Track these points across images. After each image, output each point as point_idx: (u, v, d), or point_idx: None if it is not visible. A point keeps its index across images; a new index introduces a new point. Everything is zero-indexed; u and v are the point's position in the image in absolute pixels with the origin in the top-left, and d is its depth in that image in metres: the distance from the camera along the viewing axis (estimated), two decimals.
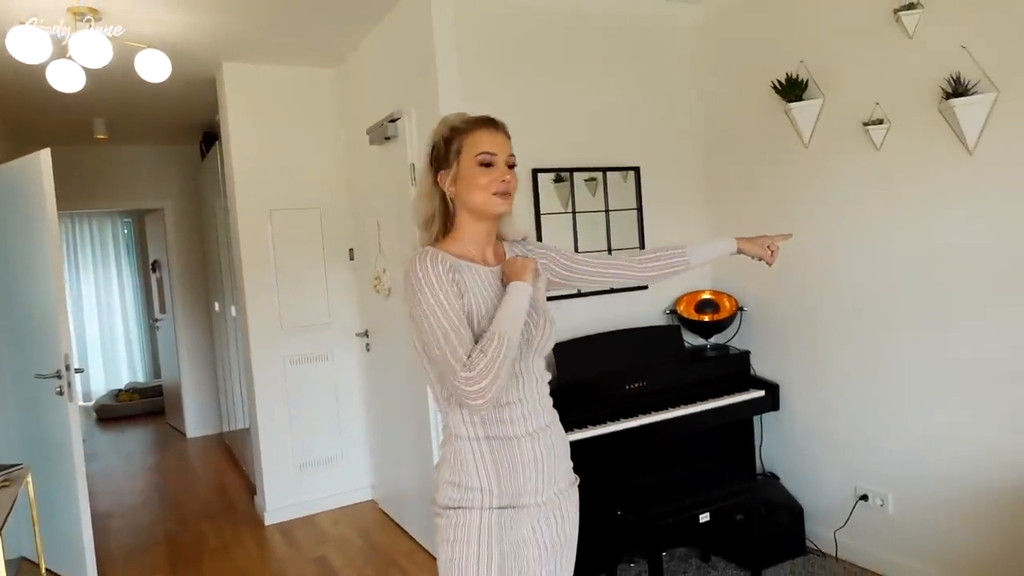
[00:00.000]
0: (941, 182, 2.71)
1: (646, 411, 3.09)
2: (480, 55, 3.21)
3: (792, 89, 3.15)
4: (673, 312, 3.65)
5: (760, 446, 3.56)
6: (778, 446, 3.50)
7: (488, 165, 1.55)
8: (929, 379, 2.81)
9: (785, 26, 3.26)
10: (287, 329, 4.32)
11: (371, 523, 4.19)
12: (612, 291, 3.53)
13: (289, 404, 4.32)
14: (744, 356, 3.52)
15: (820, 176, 3.18)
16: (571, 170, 3.45)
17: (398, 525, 4.08)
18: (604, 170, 3.54)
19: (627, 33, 3.58)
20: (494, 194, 1.55)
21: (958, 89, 2.56)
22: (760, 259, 1.89)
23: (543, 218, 3.37)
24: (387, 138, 3.55)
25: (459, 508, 1.51)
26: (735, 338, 3.64)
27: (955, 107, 2.56)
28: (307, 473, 4.39)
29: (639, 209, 3.64)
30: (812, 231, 3.21)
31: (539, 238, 3.36)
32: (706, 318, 3.57)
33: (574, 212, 3.47)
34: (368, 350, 4.34)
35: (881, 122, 2.87)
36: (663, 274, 1.84)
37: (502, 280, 1.56)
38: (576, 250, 3.46)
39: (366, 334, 4.34)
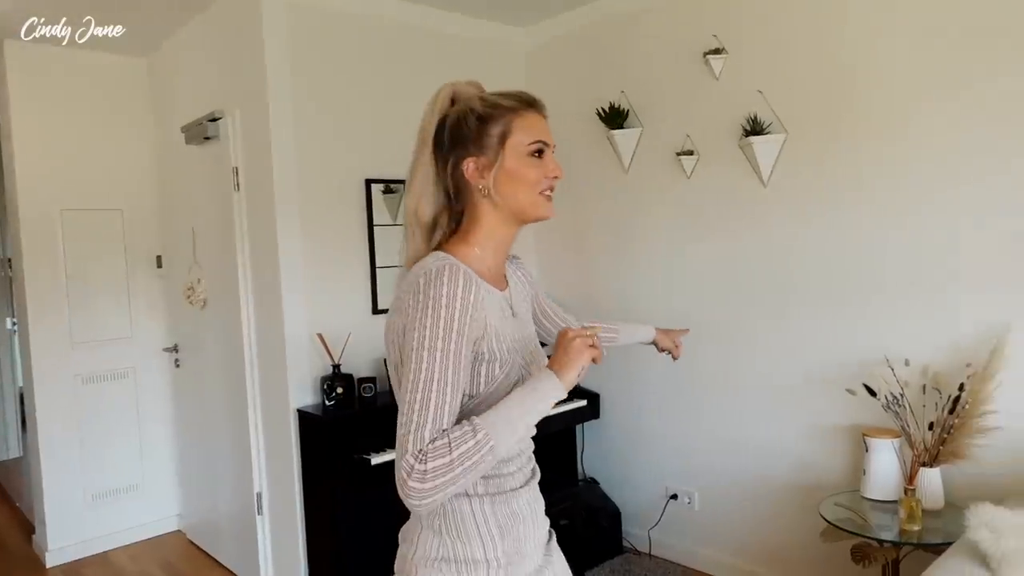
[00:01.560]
0: (741, 209, 3.03)
1: None
2: (312, 59, 3.10)
3: (614, 117, 3.37)
4: None
5: (582, 453, 3.74)
6: (598, 452, 3.70)
7: (540, 154, 1.23)
8: (730, 388, 3.11)
9: (609, 59, 3.49)
10: (79, 343, 3.84)
11: (178, 556, 3.83)
12: None
13: (80, 427, 3.84)
14: None
15: (638, 199, 3.42)
16: (402, 182, 3.41)
17: (210, 556, 3.76)
18: None
19: (462, 52, 3.64)
20: (541, 193, 1.24)
21: (755, 128, 2.88)
22: (667, 352, 1.95)
23: (376, 229, 3.30)
24: (207, 138, 3.30)
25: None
26: None
27: (752, 144, 2.88)
28: (101, 504, 3.92)
29: None
30: (631, 249, 3.45)
31: (372, 251, 3.29)
32: None
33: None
34: (177, 366, 3.99)
35: (691, 153, 3.15)
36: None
37: (550, 358, 1.17)
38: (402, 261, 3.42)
39: (175, 349, 3.98)
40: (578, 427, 3.70)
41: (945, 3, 2.40)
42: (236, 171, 3.14)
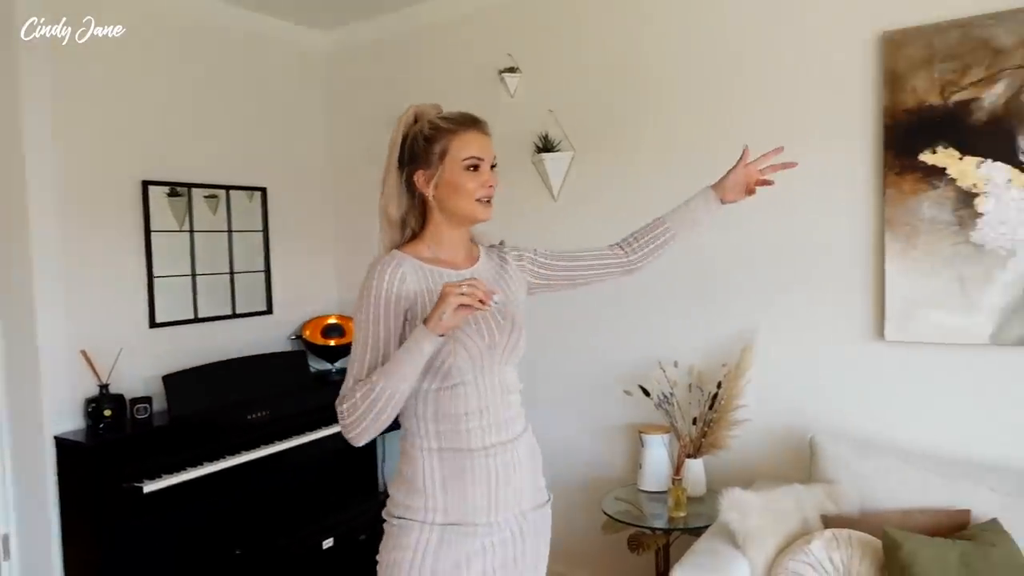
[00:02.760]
0: (534, 222, 3.17)
1: (270, 441, 2.97)
2: (80, 51, 2.79)
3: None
4: (299, 337, 3.59)
5: (383, 464, 3.69)
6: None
7: (476, 169, 1.45)
8: (534, 390, 3.22)
9: (410, 69, 3.50)
10: None
11: None
12: (234, 316, 3.34)
13: None
14: None
15: None
16: (189, 185, 3.19)
17: None
18: (228, 188, 3.35)
19: (250, 50, 3.47)
20: (478, 200, 1.46)
21: (546, 145, 3.04)
22: (757, 188, 1.67)
23: (153, 236, 3.03)
24: None
25: (402, 519, 1.43)
26: None
27: (544, 160, 3.03)
28: None
29: (265, 231, 3.52)
30: None
31: (150, 258, 3.02)
32: (332, 343, 3.59)
33: (192, 231, 3.20)
34: None
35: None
36: (654, 253, 1.69)
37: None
38: (194, 271, 3.20)
39: None
40: (378, 437, 3.65)
41: (710, 35, 2.69)
42: None
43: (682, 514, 2.47)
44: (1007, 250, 2.20)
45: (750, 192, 1.68)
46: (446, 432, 1.43)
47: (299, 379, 3.34)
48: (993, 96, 2.20)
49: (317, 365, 3.64)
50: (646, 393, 2.71)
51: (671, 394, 2.68)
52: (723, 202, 1.68)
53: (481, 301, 1.28)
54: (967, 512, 2.00)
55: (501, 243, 1.66)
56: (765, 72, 2.58)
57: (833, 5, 2.44)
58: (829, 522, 2.07)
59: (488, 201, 1.47)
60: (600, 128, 2.96)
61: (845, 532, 1.95)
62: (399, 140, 1.49)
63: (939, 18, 2.26)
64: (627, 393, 2.78)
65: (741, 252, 2.65)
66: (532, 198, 3.15)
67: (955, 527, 1.97)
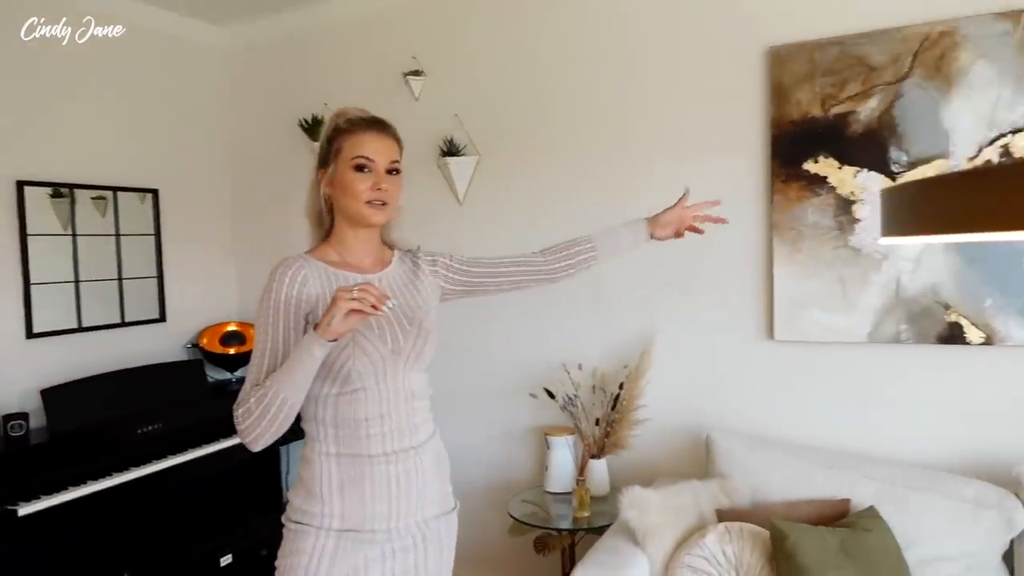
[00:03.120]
0: (440, 226, 3.15)
1: (163, 455, 2.82)
2: None
3: (317, 128, 3.31)
4: (195, 346, 3.44)
5: (286, 476, 3.58)
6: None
7: (362, 169, 1.43)
8: (441, 394, 3.20)
9: (313, 69, 3.42)
10: None
11: None
12: (123, 325, 3.17)
13: None
14: None
15: None
16: (73, 186, 3.00)
17: None
18: (115, 189, 3.17)
19: (142, 44, 3.30)
20: (368, 203, 1.43)
21: (451, 150, 3.03)
22: (685, 233, 1.74)
23: (30, 240, 2.84)
24: None
25: (299, 524, 1.42)
26: None
27: (449, 164, 3.02)
28: None
29: (157, 235, 3.35)
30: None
31: (26, 264, 2.82)
32: (231, 351, 3.45)
33: (75, 234, 3.01)
34: None
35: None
36: (574, 267, 1.71)
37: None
38: (77, 277, 3.01)
39: None
40: (282, 447, 3.54)
41: (608, 44, 2.75)
42: None
43: (586, 514, 2.51)
44: (881, 254, 2.35)
45: (679, 235, 1.74)
46: (345, 437, 1.41)
47: (195, 390, 3.19)
48: (868, 109, 2.35)
49: (216, 375, 3.49)
50: (551, 395, 2.74)
51: (575, 396, 2.73)
52: (652, 236, 1.73)
53: (374, 306, 1.26)
54: (847, 501, 2.13)
55: (416, 248, 1.64)
56: (662, 81, 2.66)
57: (725, 19, 2.55)
58: (723, 516, 2.15)
59: (381, 204, 1.44)
60: (504, 132, 2.98)
61: (736, 525, 2.04)
62: (322, 139, 1.50)
63: (819, 35, 2.40)
64: (532, 396, 2.80)
65: (641, 256, 2.71)
66: (438, 202, 3.14)
67: (836, 515, 2.09)
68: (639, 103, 2.71)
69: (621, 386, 2.65)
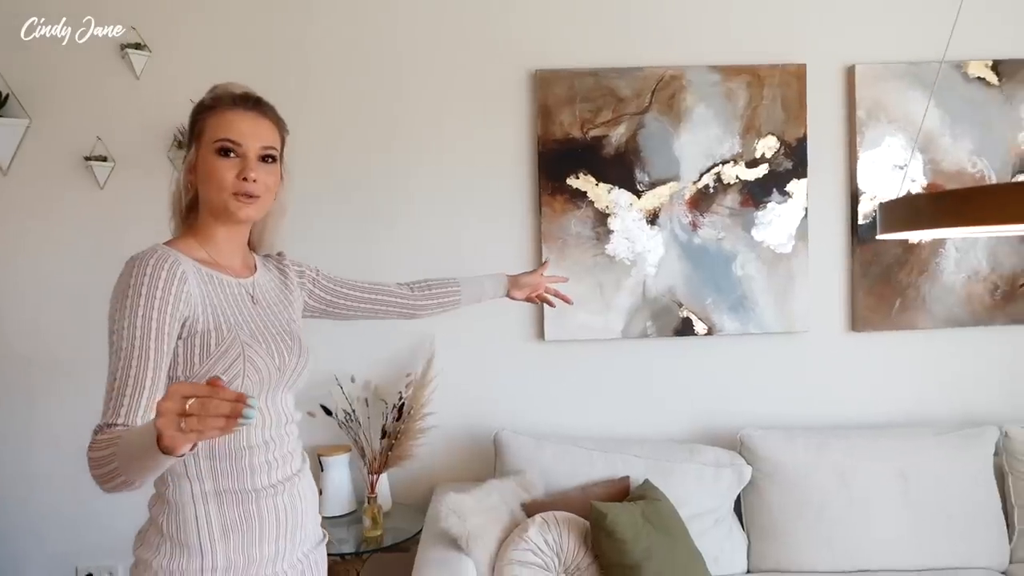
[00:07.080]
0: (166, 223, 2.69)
1: None
2: None
3: None
4: None
5: None
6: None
7: (227, 153, 1.21)
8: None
9: None
10: None
11: None
12: None
13: None
14: None
15: (27, 207, 2.68)
16: None
17: None
18: None
19: None
20: (234, 195, 1.22)
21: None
22: (538, 302, 1.92)
23: None
24: None
25: None
26: None
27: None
28: None
29: None
30: (14, 265, 2.68)
31: None
32: None
33: None
34: None
35: (105, 159, 2.65)
36: (437, 308, 1.70)
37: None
38: None
39: None
40: None
41: (379, 43, 2.67)
42: None
43: (378, 532, 2.39)
44: (631, 260, 2.71)
45: (530, 299, 1.92)
46: (225, 470, 1.19)
47: None
48: (618, 135, 2.69)
49: None
50: (328, 412, 2.54)
51: (353, 411, 2.57)
52: (507, 295, 1.87)
53: (228, 417, 0.81)
54: (627, 478, 2.40)
55: (280, 254, 1.50)
56: (433, 95, 2.68)
57: (495, 40, 2.68)
58: (528, 509, 2.24)
59: (249, 197, 1.23)
60: None
61: (551, 514, 2.15)
62: (190, 119, 1.31)
63: (578, 65, 2.68)
64: (310, 415, 2.55)
65: (416, 263, 2.70)
66: (167, 197, 2.68)
67: (622, 492, 2.34)
68: (409, 117, 2.67)
69: (401, 396, 2.58)
